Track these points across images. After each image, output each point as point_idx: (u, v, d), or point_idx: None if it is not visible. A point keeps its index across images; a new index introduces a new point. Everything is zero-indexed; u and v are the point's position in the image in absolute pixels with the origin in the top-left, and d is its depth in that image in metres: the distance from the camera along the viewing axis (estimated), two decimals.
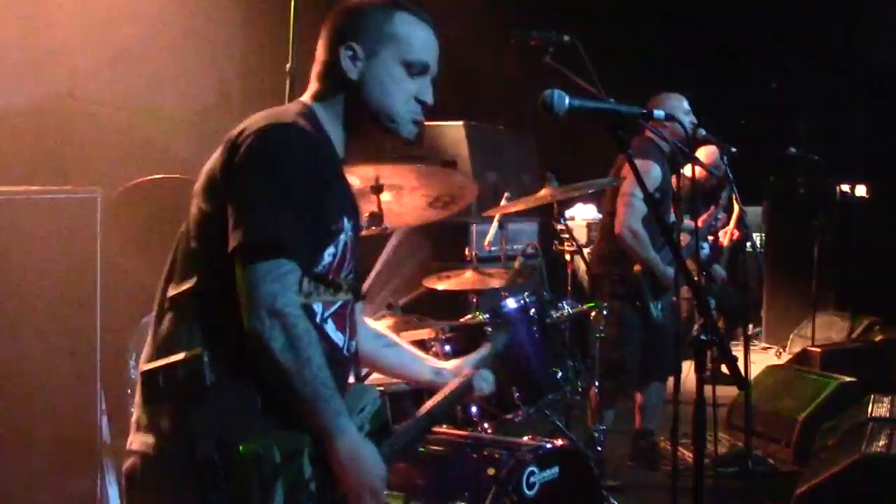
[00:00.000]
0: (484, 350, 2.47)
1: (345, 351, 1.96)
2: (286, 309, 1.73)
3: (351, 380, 2.08)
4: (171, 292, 1.86)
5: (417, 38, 2.00)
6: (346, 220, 1.93)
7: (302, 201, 1.78)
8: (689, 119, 4.38)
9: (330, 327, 1.92)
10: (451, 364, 2.41)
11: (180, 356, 1.78)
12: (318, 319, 1.88)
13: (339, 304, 1.94)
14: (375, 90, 1.96)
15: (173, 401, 1.78)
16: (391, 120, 1.98)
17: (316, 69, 2.03)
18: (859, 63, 7.22)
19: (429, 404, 2.19)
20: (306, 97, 2.02)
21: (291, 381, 1.73)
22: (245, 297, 1.74)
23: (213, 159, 1.88)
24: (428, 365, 2.38)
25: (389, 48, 1.97)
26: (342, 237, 1.91)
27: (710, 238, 4.98)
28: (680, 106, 4.47)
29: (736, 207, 4.87)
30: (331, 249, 1.88)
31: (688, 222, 4.36)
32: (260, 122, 1.85)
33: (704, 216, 5.00)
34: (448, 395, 2.20)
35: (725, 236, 4.96)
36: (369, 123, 2.00)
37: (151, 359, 1.85)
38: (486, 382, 2.38)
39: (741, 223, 4.97)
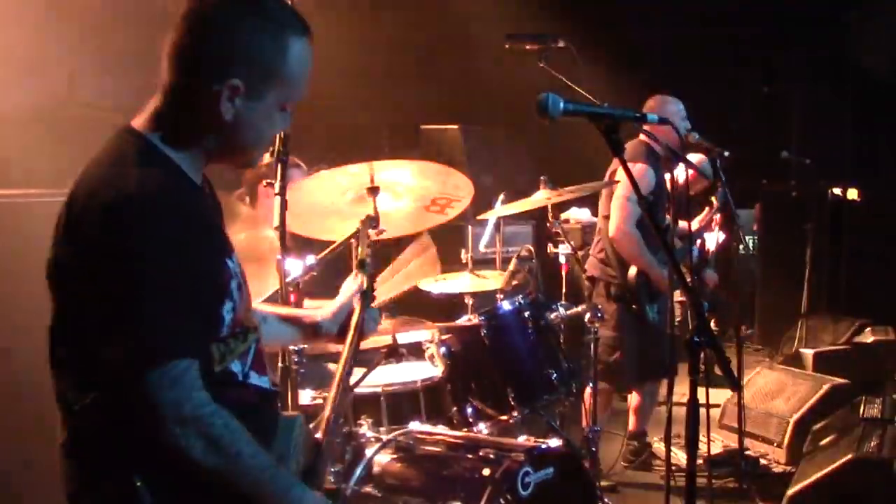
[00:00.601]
0: (350, 288, 2.21)
1: (270, 388, 1.82)
2: (195, 413, 1.51)
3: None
4: (73, 403, 1.58)
5: (304, 71, 1.67)
6: (228, 261, 1.69)
7: (178, 282, 1.51)
8: (684, 123, 4.40)
9: (254, 378, 1.75)
10: (326, 311, 2.16)
11: (107, 485, 1.55)
12: (240, 378, 1.70)
13: (253, 348, 1.75)
14: (249, 134, 1.65)
15: None
16: (253, 159, 1.75)
17: (167, 88, 1.64)
18: (851, 67, 7.26)
19: (338, 376, 2.03)
20: (147, 123, 1.64)
21: (227, 480, 1.56)
22: (144, 414, 1.49)
23: (55, 239, 1.58)
24: (306, 323, 2.16)
25: (275, 91, 1.63)
26: (232, 283, 1.68)
27: (698, 241, 5.00)
28: (676, 110, 4.48)
29: (717, 205, 4.88)
30: (227, 305, 1.65)
31: (682, 224, 4.39)
32: (101, 197, 1.51)
33: (700, 218, 5.03)
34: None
35: (713, 230, 4.97)
36: (229, 160, 1.74)
37: (68, 486, 1.60)
38: (374, 321, 2.21)
39: (732, 225, 4.98)
